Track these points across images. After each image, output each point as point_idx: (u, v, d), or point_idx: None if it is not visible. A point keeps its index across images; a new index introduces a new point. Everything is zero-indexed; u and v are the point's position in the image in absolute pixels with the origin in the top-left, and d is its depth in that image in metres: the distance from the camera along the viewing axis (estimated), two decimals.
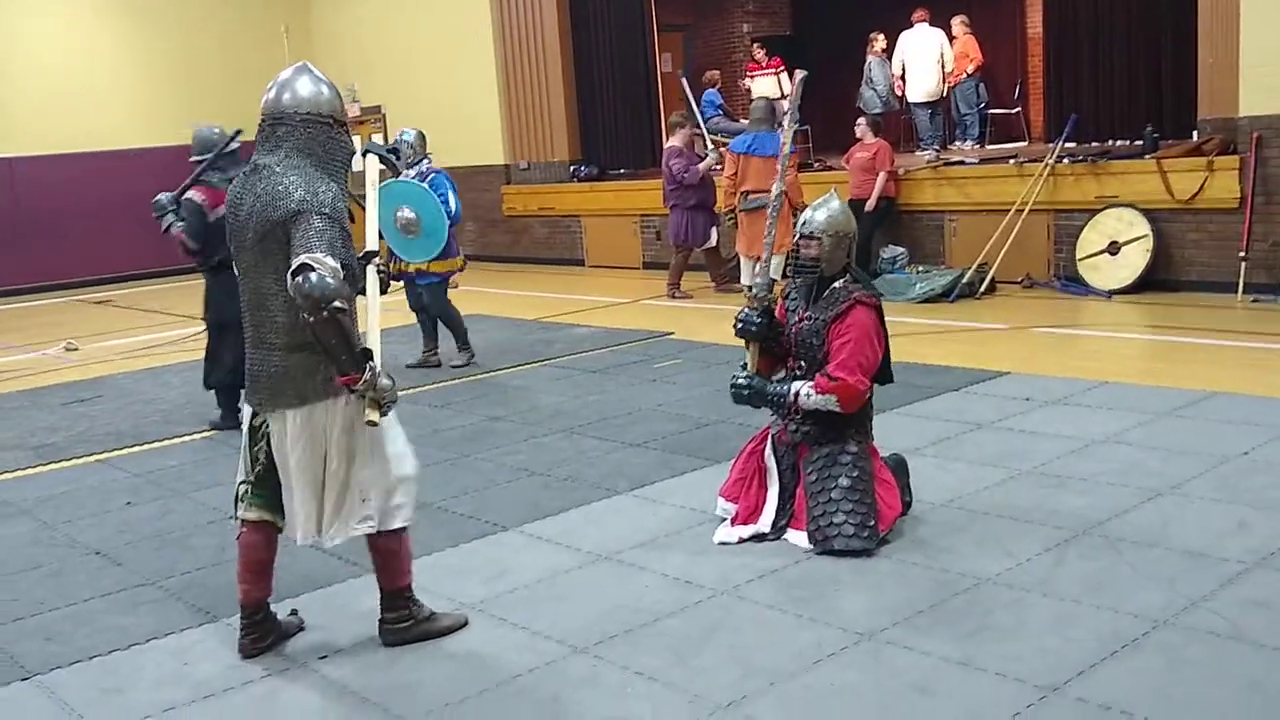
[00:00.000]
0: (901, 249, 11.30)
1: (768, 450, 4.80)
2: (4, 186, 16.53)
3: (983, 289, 10.29)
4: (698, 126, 11.87)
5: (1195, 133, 10.03)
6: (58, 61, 16.78)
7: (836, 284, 4.67)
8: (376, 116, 18.10)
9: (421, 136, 8.76)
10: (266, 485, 3.81)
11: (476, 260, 16.38)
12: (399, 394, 3.65)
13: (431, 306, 8.79)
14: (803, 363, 4.70)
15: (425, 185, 8.09)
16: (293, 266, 3.43)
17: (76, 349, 10.98)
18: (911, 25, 14.18)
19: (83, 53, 17.05)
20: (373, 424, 3.55)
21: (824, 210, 4.71)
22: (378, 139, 14.76)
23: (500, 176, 16.29)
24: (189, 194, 6.92)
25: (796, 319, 4.72)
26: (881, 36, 14.48)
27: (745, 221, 10.44)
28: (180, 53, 17.75)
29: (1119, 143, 11.16)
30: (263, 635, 3.94)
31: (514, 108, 15.97)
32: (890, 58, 14.45)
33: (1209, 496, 4.82)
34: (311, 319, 3.40)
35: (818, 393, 4.50)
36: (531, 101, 15.78)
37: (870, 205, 11.16)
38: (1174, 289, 9.77)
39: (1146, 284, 9.82)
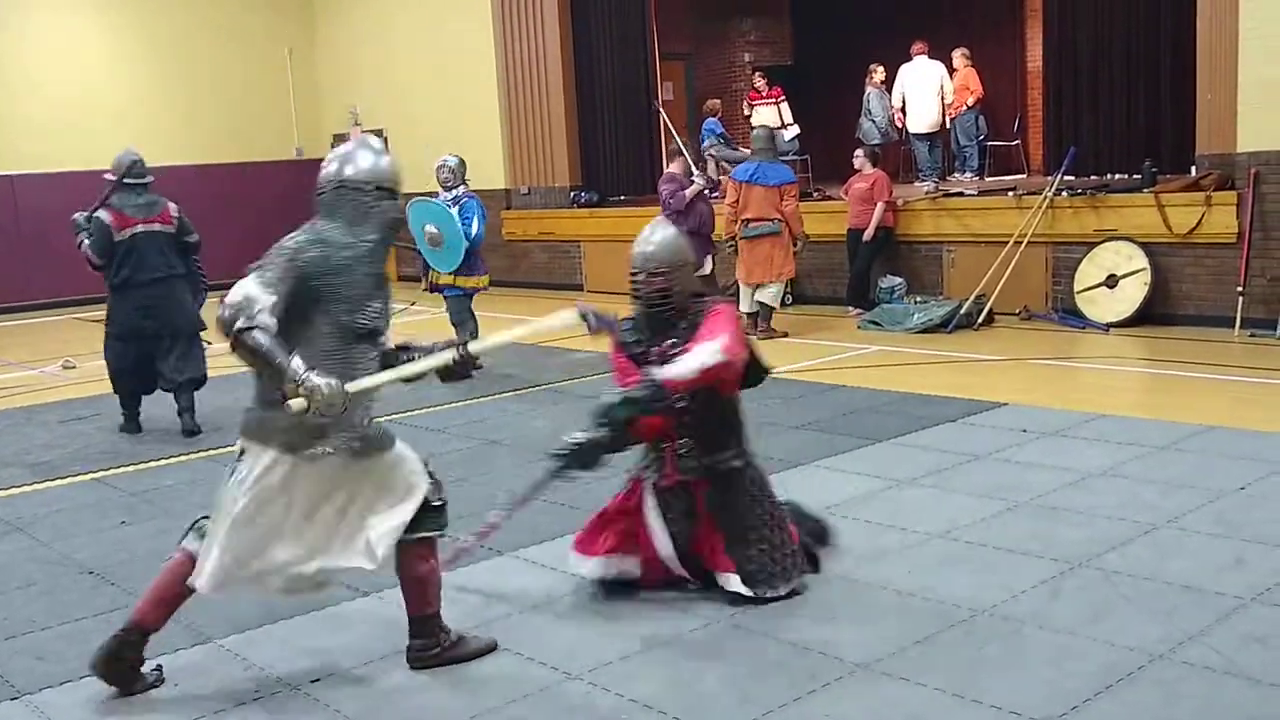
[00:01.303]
0: (900, 279, 11.34)
1: (649, 503, 4.43)
2: (5, 204, 16.55)
3: (980, 320, 10.32)
4: (682, 153, 11.90)
5: (1194, 167, 10.08)
6: (61, 81, 16.82)
7: (691, 309, 4.39)
8: (378, 139, 18.16)
9: (462, 163, 9.68)
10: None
11: None
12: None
13: (452, 315, 9.66)
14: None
15: (454, 208, 9.25)
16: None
17: (74, 367, 10.98)
18: (911, 58, 14.28)
19: (86, 72, 17.09)
20: (297, 411, 3.48)
21: (657, 239, 4.41)
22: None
23: (501, 201, 16.32)
24: (99, 213, 7.55)
25: (657, 351, 4.35)
26: (880, 68, 14.57)
27: (745, 249, 10.47)
28: (184, 74, 17.81)
29: (1117, 176, 11.21)
30: (120, 658, 3.83)
31: (515, 133, 16.03)
32: (889, 89, 14.53)
33: (1206, 531, 4.81)
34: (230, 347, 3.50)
35: (688, 354, 4.14)
36: (533, 127, 15.84)
37: (868, 235, 11.22)
38: (1171, 323, 9.79)
39: (1144, 317, 9.85)
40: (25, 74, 16.56)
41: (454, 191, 9.44)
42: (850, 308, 11.46)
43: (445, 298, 9.68)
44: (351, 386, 3.57)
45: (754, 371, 4.53)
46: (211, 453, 7.20)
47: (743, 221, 10.44)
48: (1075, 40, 11.75)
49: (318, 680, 3.87)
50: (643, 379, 4.17)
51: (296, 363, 3.47)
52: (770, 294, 10.50)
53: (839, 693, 3.57)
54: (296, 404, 3.46)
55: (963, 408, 7.20)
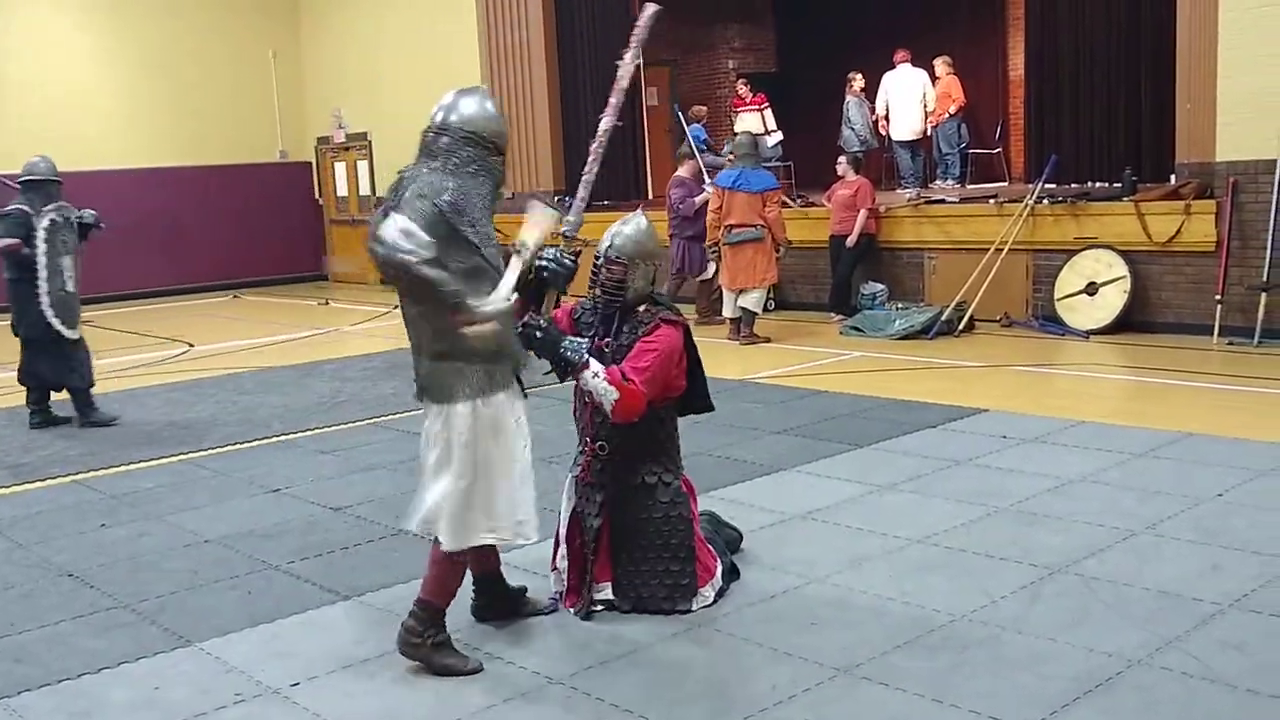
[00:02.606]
0: (881, 285, 11.38)
1: (565, 493, 4.43)
2: None
3: (961, 327, 10.37)
4: (693, 157, 11.92)
5: (1173, 176, 10.16)
6: (45, 82, 16.76)
7: (640, 308, 4.30)
8: (362, 143, 18.14)
9: None
10: None
11: None
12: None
13: None
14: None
15: None
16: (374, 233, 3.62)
17: None
18: (894, 65, 14.34)
19: (70, 72, 17.04)
20: (477, 337, 3.65)
21: (630, 230, 4.39)
22: (363, 165, 14.71)
23: None
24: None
25: (598, 343, 4.28)
26: (860, 76, 14.63)
27: (728, 255, 10.49)
28: (168, 76, 17.77)
29: (1098, 185, 11.28)
30: (490, 602, 4.23)
31: None
32: (869, 97, 14.59)
33: (1184, 537, 4.84)
34: (394, 280, 3.66)
35: (606, 380, 4.02)
36: (517, 131, 15.81)
37: (851, 242, 11.26)
38: (1151, 330, 9.86)
39: (1124, 325, 9.91)
40: (8, 76, 16.49)
41: None
42: (832, 314, 11.50)
43: None
44: (490, 307, 3.66)
45: (693, 402, 4.43)
46: (191, 455, 7.18)
47: (726, 227, 10.46)
48: (1057, 49, 11.82)
49: (298, 684, 3.86)
50: (576, 347, 4.07)
51: (466, 291, 3.60)
52: (753, 299, 10.52)
53: (819, 697, 3.58)
54: (476, 330, 3.60)
55: (943, 414, 7.23)
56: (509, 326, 3.82)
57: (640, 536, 4.27)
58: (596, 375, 4.02)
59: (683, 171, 11.74)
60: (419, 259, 3.55)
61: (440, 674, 3.85)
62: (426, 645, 3.88)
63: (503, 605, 4.28)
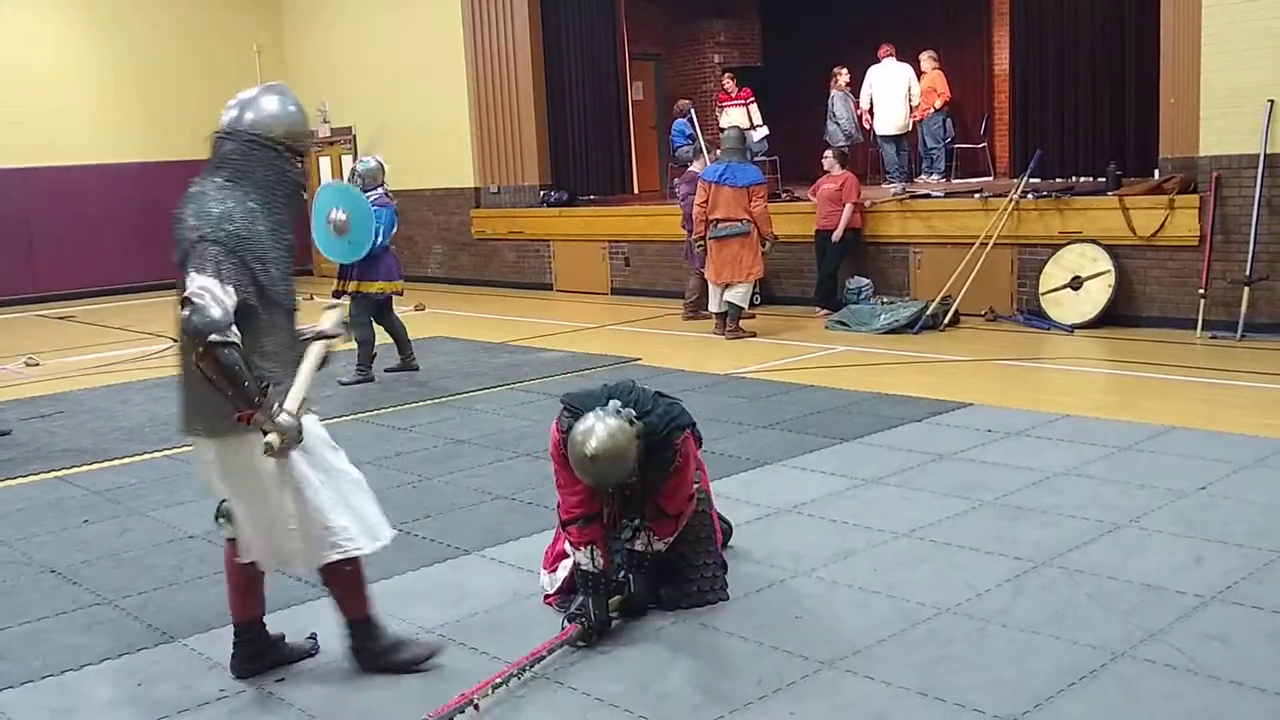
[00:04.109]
0: (867, 280, 11.39)
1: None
2: None
3: (946, 321, 10.38)
4: (703, 152, 11.87)
5: (1157, 171, 10.19)
6: (29, 75, 16.67)
7: (645, 443, 3.90)
8: (347, 137, 18.07)
9: (381, 167, 9.27)
10: None
11: (444, 283, 16.40)
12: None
13: (354, 318, 8.99)
14: (634, 515, 4.08)
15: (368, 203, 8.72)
16: (180, 297, 3.32)
17: (37, 364, 10.87)
18: (879, 60, 14.34)
19: (54, 67, 16.95)
20: (269, 452, 3.38)
21: (600, 441, 3.76)
22: (347, 160, 14.64)
23: (470, 200, 16.29)
24: None
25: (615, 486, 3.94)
26: (845, 71, 14.63)
27: (714, 249, 10.49)
28: (152, 70, 17.69)
29: (1082, 179, 11.32)
30: (253, 655, 3.86)
31: (485, 131, 15.99)
32: (854, 92, 14.60)
33: (1167, 530, 4.86)
34: (195, 354, 3.29)
35: (663, 539, 4.08)
36: (502, 126, 15.81)
37: (836, 236, 11.27)
38: (1135, 324, 9.89)
39: (1108, 319, 9.94)
40: None
41: (371, 194, 8.93)
42: (818, 308, 11.51)
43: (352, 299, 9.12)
44: (291, 404, 3.41)
45: None
46: (173, 451, 7.14)
47: (712, 222, 10.46)
48: (1041, 44, 11.86)
49: (282, 680, 3.85)
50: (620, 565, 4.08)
51: (266, 391, 3.35)
52: (739, 294, 10.52)
53: (804, 690, 3.59)
54: (274, 439, 3.33)
55: (928, 408, 7.24)
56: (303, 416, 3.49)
57: (692, 557, 4.25)
58: (658, 545, 4.09)
59: (695, 167, 11.67)
60: (223, 341, 3.26)
61: (410, 668, 3.81)
62: (382, 654, 3.82)
63: (266, 655, 3.89)
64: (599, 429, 3.77)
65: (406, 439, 7.23)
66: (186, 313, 3.29)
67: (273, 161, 3.55)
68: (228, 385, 3.31)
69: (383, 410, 8.06)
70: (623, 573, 4.12)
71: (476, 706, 3.50)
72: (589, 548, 4.00)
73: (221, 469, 3.59)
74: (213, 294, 3.30)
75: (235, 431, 3.45)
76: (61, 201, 16.97)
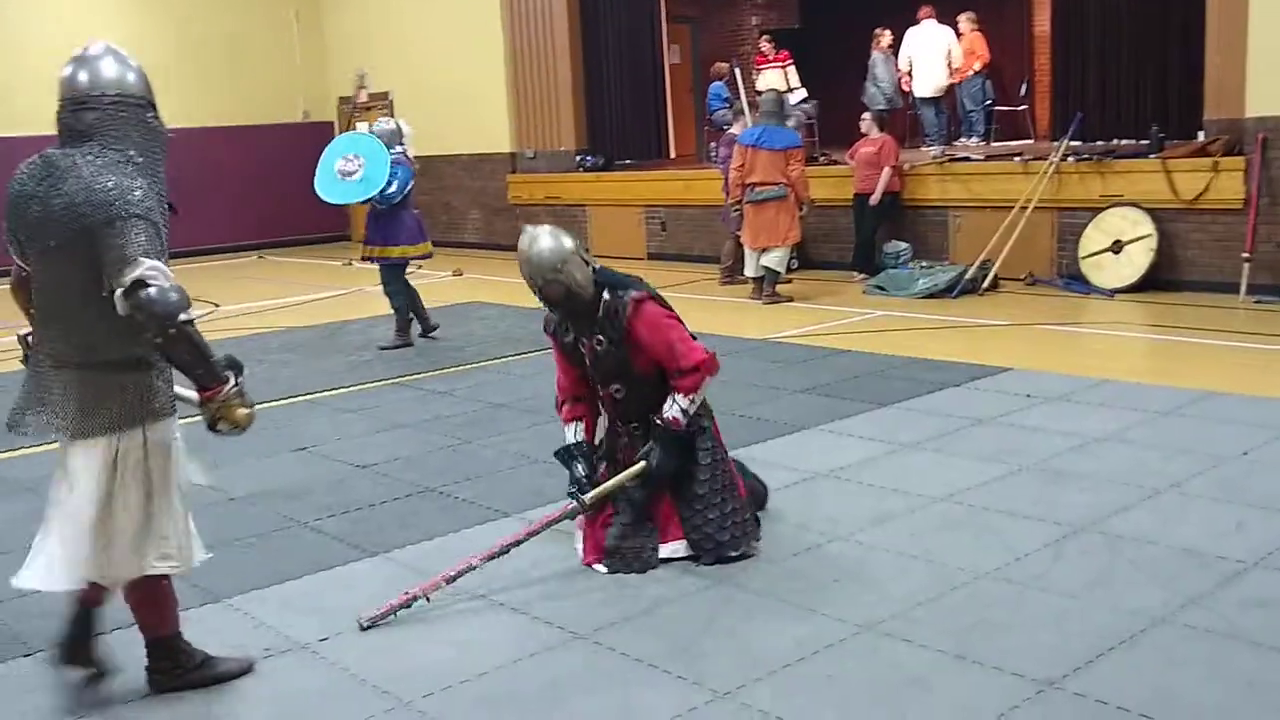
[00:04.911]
0: (905, 244, 11.32)
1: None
2: (3, 167, 16.51)
3: (985, 285, 10.31)
4: (744, 113, 11.77)
5: (1201, 133, 10.04)
6: (65, 45, 16.69)
7: (605, 297, 4.34)
8: (384, 102, 18.10)
9: (399, 129, 9.25)
10: None
11: (481, 248, 16.43)
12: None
13: (386, 285, 9.27)
14: (617, 385, 4.43)
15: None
16: (125, 280, 3.13)
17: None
18: (918, 22, 14.18)
19: (91, 35, 17.02)
20: (220, 433, 3.36)
21: (536, 249, 4.33)
22: (384, 122, 14.58)
23: (506, 165, 16.29)
24: None
25: (586, 347, 4.43)
26: (887, 33, 14.47)
27: (751, 213, 10.45)
28: (189, 39, 17.71)
29: (1124, 142, 11.16)
30: (84, 641, 3.61)
31: (521, 96, 15.97)
32: (896, 54, 14.44)
33: (1208, 496, 4.83)
34: (159, 339, 3.18)
35: (689, 394, 4.28)
36: (539, 90, 15.77)
37: (874, 200, 11.20)
38: (1177, 289, 9.78)
39: (1149, 283, 9.83)
40: (28, 38, 16.48)
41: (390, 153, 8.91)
42: (856, 273, 11.45)
43: (380, 267, 9.23)
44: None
45: None
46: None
47: (748, 186, 10.41)
48: (1083, 5, 11.66)
49: (325, 639, 3.91)
50: (643, 452, 4.35)
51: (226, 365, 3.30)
52: (775, 258, 10.48)
53: (841, 654, 3.60)
54: (243, 415, 3.33)
55: (967, 372, 7.21)
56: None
57: (697, 485, 4.37)
58: (688, 404, 4.30)
59: (735, 129, 11.58)
60: (190, 319, 3.17)
61: (221, 682, 3.62)
62: (192, 674, 3.61)
63: (89, 650, 3.63)
64: (542, 230, 4.40)
65: (446, 403, 7.28)
66: (145, 296, 3.14)
67: (142, 119, 3.40)
68: (199, 363, 3.26)
69: (420, 375, 8.11)
70: (647, 445, 4.36)
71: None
72: (574, 424, 4.57)
73: (98, 465, 3.37)
74: (163, 272, 3.19)
75: (132, 423, 3.37)
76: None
